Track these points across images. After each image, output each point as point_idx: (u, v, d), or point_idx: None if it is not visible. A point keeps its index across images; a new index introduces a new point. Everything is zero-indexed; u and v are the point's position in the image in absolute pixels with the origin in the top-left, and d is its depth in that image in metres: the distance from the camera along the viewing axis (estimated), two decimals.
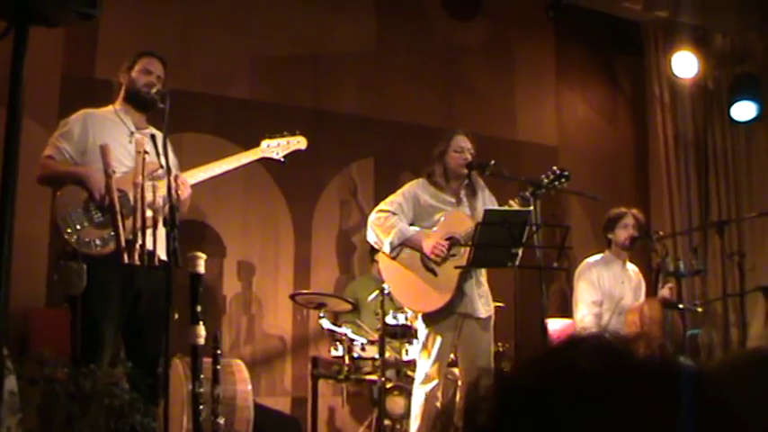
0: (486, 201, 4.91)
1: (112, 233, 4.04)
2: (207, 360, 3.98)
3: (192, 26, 6.52)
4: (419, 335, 4.81)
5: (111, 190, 4.05)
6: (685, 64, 8.04)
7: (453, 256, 4.68)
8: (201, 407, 3.75)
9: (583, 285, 5.63)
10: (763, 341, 6.89)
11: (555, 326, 5.93)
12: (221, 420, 4.02)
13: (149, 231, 4.04)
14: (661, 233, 5.94)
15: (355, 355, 5.56)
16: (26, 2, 1.98)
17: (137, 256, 4.02)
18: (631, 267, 5.81)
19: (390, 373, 5.53)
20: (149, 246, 4.04)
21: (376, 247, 4.89)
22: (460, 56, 7.73)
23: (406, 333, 5.52)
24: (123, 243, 4.01)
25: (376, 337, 5.34)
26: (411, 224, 4.80)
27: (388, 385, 5.37)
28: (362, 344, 5.56)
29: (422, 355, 4.71)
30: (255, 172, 6.19)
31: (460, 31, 7.75)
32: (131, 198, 4.10)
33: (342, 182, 7.00)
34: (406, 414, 5.10)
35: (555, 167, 4.77)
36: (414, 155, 6.41)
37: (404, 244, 4.75)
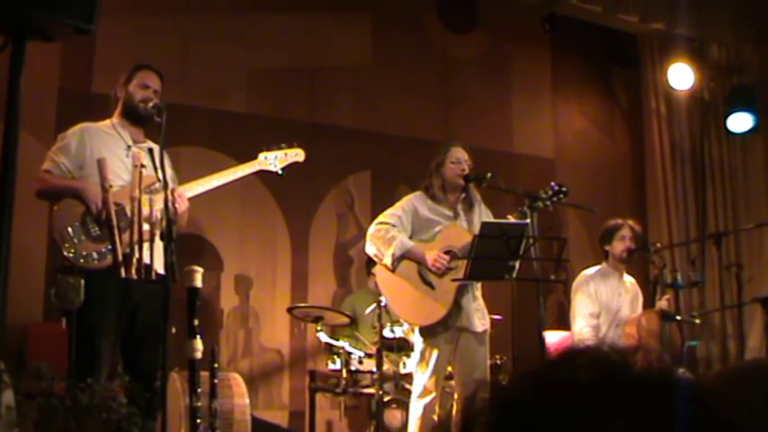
0: (483, 214, 4.91)
1: (110, 247, 4.03)
2: (204, 374, 3.97)
3: (189, 40, 6.53)
4: (416, 348, 4.80)
5: (109, 204, 4.04)
6: (681, 76, 8.07)
7: (451, 269, 4.68)
8: (199, 421, 3.73)
9: (580, 297, 5.62)
10: (761, 352, 6.88)
11: (552, 338, 5.91)
12: None
13: (146, 245, 4.04)
14: (658, 245, 5.92)
15: (353, 368, 5.55)
16: (23, 16, 1.98)
17: (134, 270, 4.00)
18: (628, 279, 5.80)
19: (388, 386, 5.51)
20: (146, 260, 4.04)
21: (376, 259, 4.87)
22: (457, 69, 7.75)
23: (404, 346, 5.51)
24: (120, 257, 4.00)
25: (373, 350, 5.34)
26: (410, 237, 4.80)
27: (386, 398, 5.36)
28: (360, 357, 5.55)
29: (419, 369, 4.70)
30: (252, 186, 6.20)
31: (457, 45, 7.77)
32: (128, 212, 4.09)
33: (338, 195, 7.00)
34: (404, 427, 5.09)
35: (553, 183, 4.76)
36: (411, 168, 6.41)
37: (405, 256, 4.74)
